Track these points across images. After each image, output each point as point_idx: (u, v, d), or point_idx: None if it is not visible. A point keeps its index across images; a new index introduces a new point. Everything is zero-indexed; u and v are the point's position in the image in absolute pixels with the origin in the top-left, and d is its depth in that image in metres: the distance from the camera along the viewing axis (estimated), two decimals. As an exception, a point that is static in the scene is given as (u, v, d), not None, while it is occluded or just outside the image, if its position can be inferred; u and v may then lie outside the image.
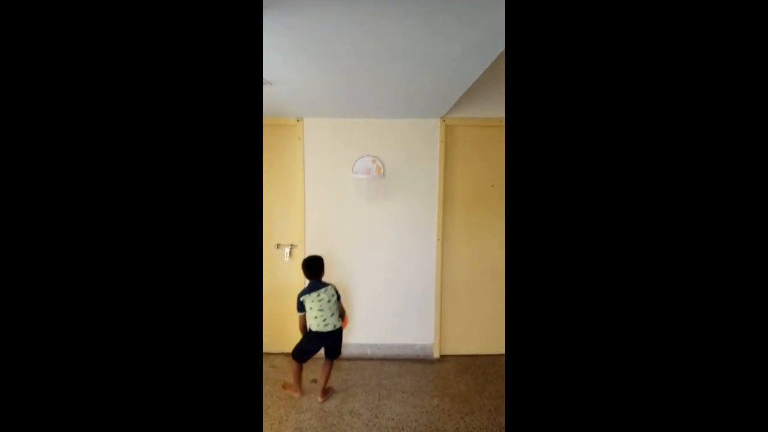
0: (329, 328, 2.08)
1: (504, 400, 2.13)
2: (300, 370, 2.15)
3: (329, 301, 2.08)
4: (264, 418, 1.94)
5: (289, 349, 2.75)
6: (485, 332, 2.71)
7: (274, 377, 2.38)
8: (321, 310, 2.05)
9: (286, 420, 1.94)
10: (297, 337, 2.70)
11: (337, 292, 2.15)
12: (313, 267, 2.13)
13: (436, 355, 2.67)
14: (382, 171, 2.51)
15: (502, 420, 1.95)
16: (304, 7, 1.07)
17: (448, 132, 2.54)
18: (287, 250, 2.62)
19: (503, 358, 2.65)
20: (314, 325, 2.07)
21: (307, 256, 2.21)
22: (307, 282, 2.14)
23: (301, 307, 2.11)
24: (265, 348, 2.70)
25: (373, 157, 2.52)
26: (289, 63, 1.53)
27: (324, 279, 2.18)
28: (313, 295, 2.06)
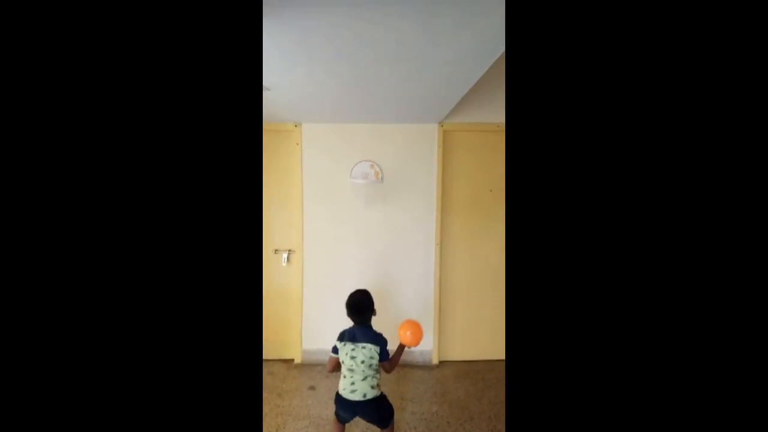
0: (356, 397, 1.49)
1: (503, 407, 2.11)
2: (341, 430, 1.61)
3: (363, 362, 1.51)
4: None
5: (288, 355, 2.74)
6: (484, 338, 2.69)
7: (272, 384, 2.35)
8: (351, 370, 1.52)
9: (284, 428, 1.92)
10: (296, 342, 2.70)
11: (384, 351, 1.56)
12: (359, 308, 1.59)
13: (435, 361, 2.65)
14: (380, 176, 2.51)
15: (502, 427, 1.93)
16: (302, 14, 1.08)
17: (446, 137, 2.55)
18: (285, 255, 2.61)
19: (502, 364, 2.64)
20: (340, 387, 1.55)
21: (353, 291, 1.66)
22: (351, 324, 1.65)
23: (334, 350, 1.61)
24: (263, 355, 2.68)
25: (371, 162, 2.52)
26: (288, 69, 1.54)
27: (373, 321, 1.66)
28: (348, 347, 1.54)
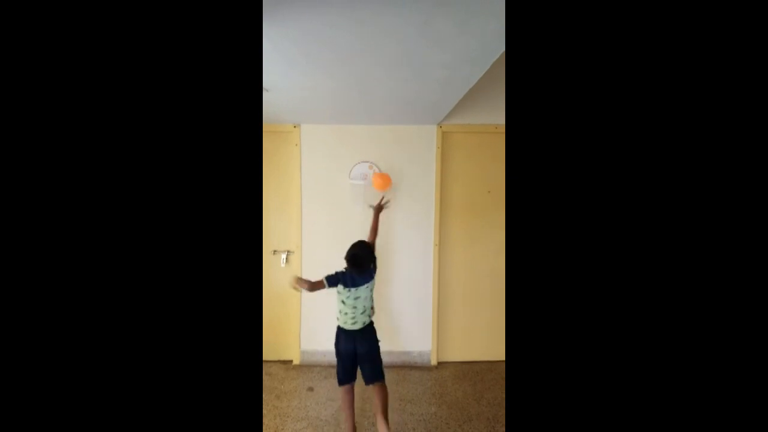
0: (357, 326, 1.73)
1: (502, 408, 2.11)
2: (351, 397, 1.76)
3: (366, 298, 1.74)
4: (259, 428, 1.91)
5: (286, 356, 2.73)
6: (483, 338, 2.69)
7: (270, 385, 2.35)
8: (354, 308, 1.72)
9: (282, 429, 1.92)
10: (294, 343, 2.69)
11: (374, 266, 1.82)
12: (361, 261, 1.72)
13: (434, 362, 2.66)
14: (379, 177, 2.52)
15: (501, 428, 1.93)
16: (302, 16, 1.08)
17: (445, 138, 2.55)
18: (284, 256, 2.61)
19: (501, 365, 2.64)
20: (341, 321, 1.76)
21: (354, 244, 1.78)
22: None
23: (332, 282, 1.73)
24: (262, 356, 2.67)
25: (370, 163, 2.52)
26: (287, 71, 1.54)
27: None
28: (353, 293, 1.71)
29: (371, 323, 1.79)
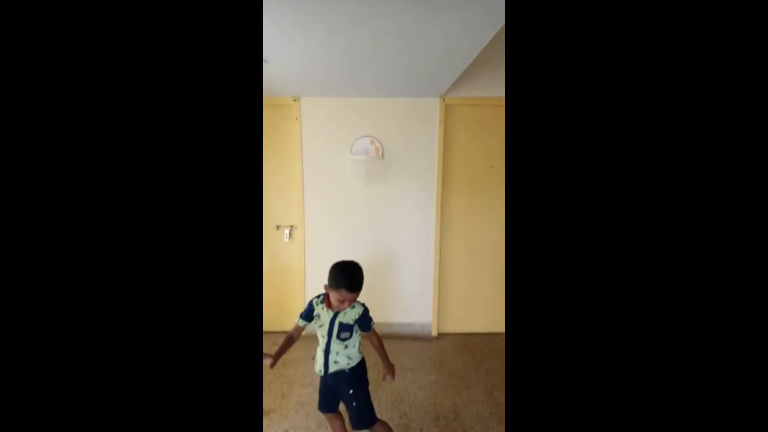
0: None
1: (499, 377, 2.19)
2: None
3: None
4: (266, 393, 2.01)
5: (291, 327, 2.79)
6: (482, 311, 2.76)
7: (276, 355, 2.44)
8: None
9: (289, 394, 2.01)
10: (298, 314, 2.75)
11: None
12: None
13: (434, 333, 2.73)
14: (380, 152, 2.50)
15: (498, 395, 2.02)
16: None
17: (448, 111, 2.50)
18: (287, 231, 2.64)
19: (499, 337, 2.71)
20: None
21: (343, 261, 1.48)
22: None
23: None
24: (266, 327, 2.75)
25: (372, 137, 2.49)
26: (286, 41, 1.50)
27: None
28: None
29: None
